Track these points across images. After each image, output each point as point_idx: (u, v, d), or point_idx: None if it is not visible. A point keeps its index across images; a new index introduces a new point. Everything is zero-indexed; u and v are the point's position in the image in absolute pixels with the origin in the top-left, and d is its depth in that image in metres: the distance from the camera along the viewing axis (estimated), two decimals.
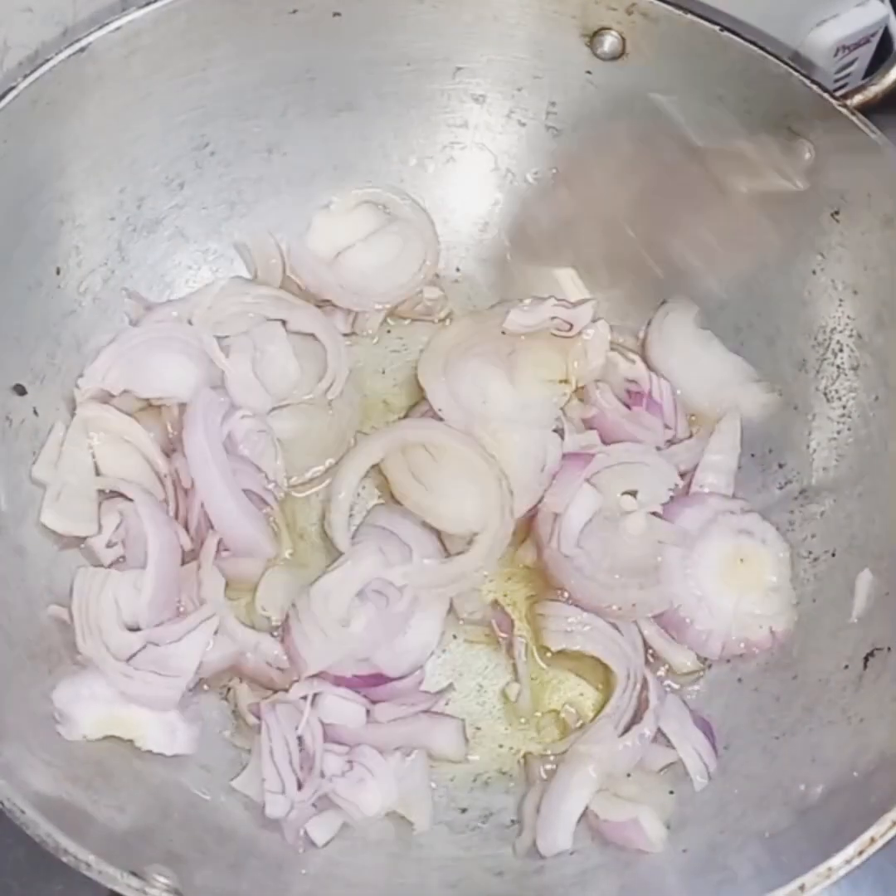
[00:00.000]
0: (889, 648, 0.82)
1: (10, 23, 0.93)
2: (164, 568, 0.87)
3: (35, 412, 0.89)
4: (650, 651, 0.89)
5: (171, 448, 0.93)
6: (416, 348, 1.02)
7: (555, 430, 0.94)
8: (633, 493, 0.92)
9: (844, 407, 0.92)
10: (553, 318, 0.96)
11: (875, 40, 1.11)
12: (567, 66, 0.96)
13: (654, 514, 0.91)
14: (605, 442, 0.94)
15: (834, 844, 0.68)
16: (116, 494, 0.90)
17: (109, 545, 0.89)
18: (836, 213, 0.90)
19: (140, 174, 0.95)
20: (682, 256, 0.99)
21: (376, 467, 0.94)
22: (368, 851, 0.82)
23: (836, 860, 0.68)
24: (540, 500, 0.92)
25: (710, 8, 0.95)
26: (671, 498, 0.93)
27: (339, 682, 0.85)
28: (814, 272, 0.93)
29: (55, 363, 0.91)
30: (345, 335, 1.01)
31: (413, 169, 1.03)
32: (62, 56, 0.85)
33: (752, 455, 0.96)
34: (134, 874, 0.66)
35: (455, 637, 0.91)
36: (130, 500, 0.89)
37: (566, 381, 0.96)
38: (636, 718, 0.85)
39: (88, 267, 0.93)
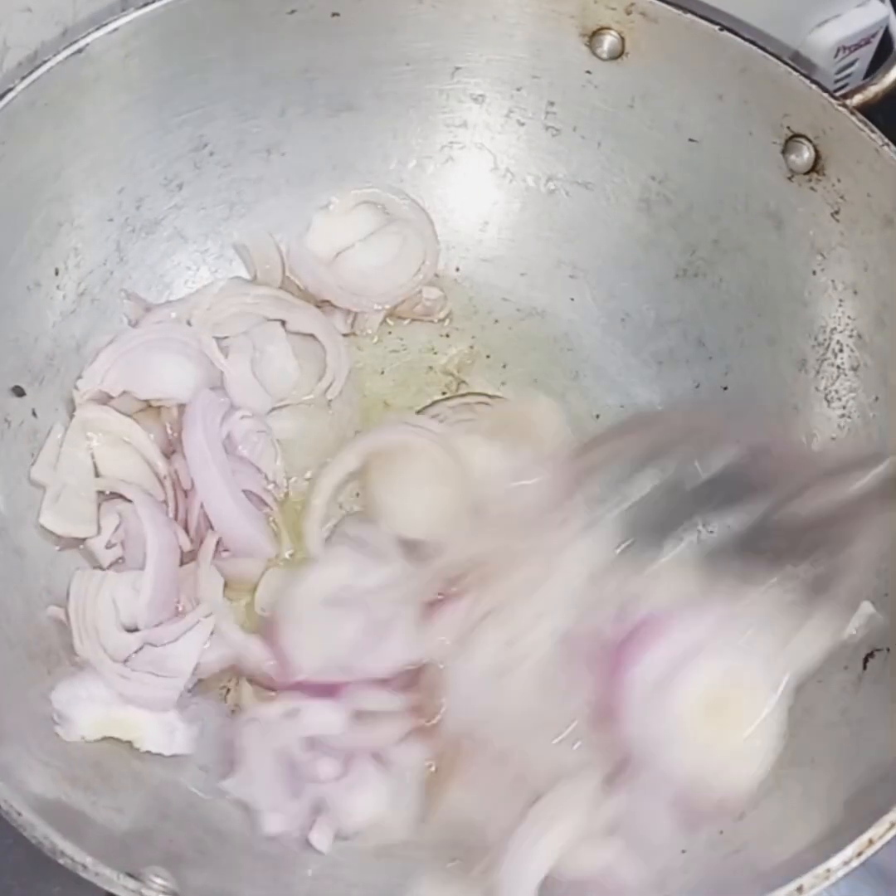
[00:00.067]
0: (889, 649, 0.82)
1: (9, 23, 0.93)
2: (164, 568, 0.87)
3: (34, 414, 0.89)
4: None
5: (171, 449, 0.93)
6: (415, 348, 1.02)
7: None
8: None
9: (844, 407, 0.92)
10: None
11: (875, 41, 1.11)
12: (566, 65, 0.96)
13: None
14: None
15: (832, 846, 0.68)
16: (116, 496, 0.90)
17: (108, 546, 0.88)
18: (836, 213, 0.90)
19: (139, 175, 0.95)
20: None
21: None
22: (369, 853, 0.82)
23: (834, 861, 0.67)
24: None
25: (710, 8, 0.95)
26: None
27: (317, 691, 0.84)
28: (814, 272, 0.93)
29: (54, 364, 0.91)
30: (344, 335, 1.00)
31: (412, 169, 1.03)
32: (60, 57, 0.85)
33: None
34: (131, 876, 0.65)
35: None
36: (129, 501, 0.89)
37: None
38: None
39: (87, 268, 0.93)
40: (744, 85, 0.91)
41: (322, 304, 1.00)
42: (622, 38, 0.93)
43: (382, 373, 1.01)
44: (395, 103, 1.00)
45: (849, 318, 0.91)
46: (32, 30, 0.94)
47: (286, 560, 0.92)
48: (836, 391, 0.92)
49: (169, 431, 0.93)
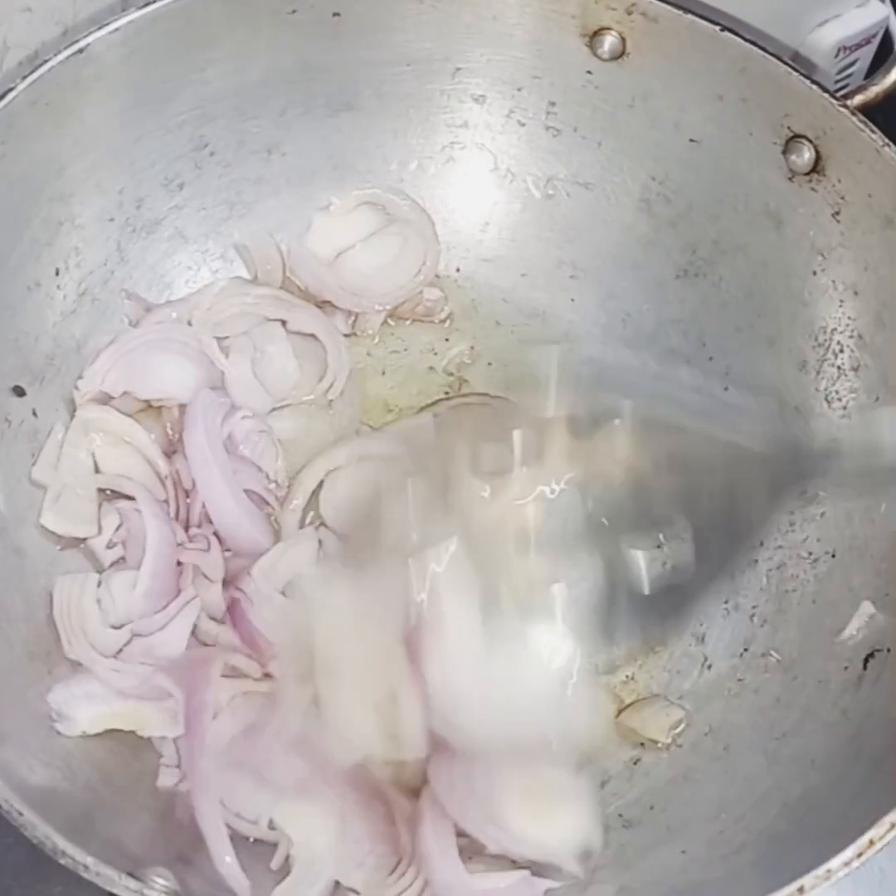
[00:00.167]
0: (889, 650, 0.82)
1: (9, 23, 0.93)
2: (162, 559, 0.87)
3: (34, 414, 0.89)
4: None
5: (172, 449, 0.93)
6: (416, 349, 1.02)
7: None
8: None
9: (844, 408, 0.92)
10: None
11: (876, 41, 1.11)
12: (567, 66, 0.96)
13: None
14: None
15: (833, 847, 0.68)
16: (117, 495, 0.90)
17: (110, 546, 0.89)
18: (837, 213, 0.90)
19: (139, 175, 0.95)
20: None
21: None
22: None
23: (834, 862, 0.67)
24: None
25: (710, 8, 0.95)
26: None
27: None
28: (814, 272, 0.93)
29: (54, 364, 0.91)
30: (345, 336, 1.01)
31: (413, 169, 1.03)
32: (60, 57, 0.85)
33: None
34: (132, 876, 0.66)
35: None
36: (131, 498, 0.89)
37: None
38: None
39: (87, 268, 0.93)
40: (744, 85, 0.91)
41: (323, 305, 1.00)
42: (623, 39, 0.93)
43: (383, 373, 1.01)
44: (395, 103, 1.00)
45: (849, 318, 0.91)
46: (33, 30, 0.94)
47: None
48: (837, 391, 0.92)
49: (170, 432, 0.94)
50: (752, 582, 0.93)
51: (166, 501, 0.90)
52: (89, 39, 0.86)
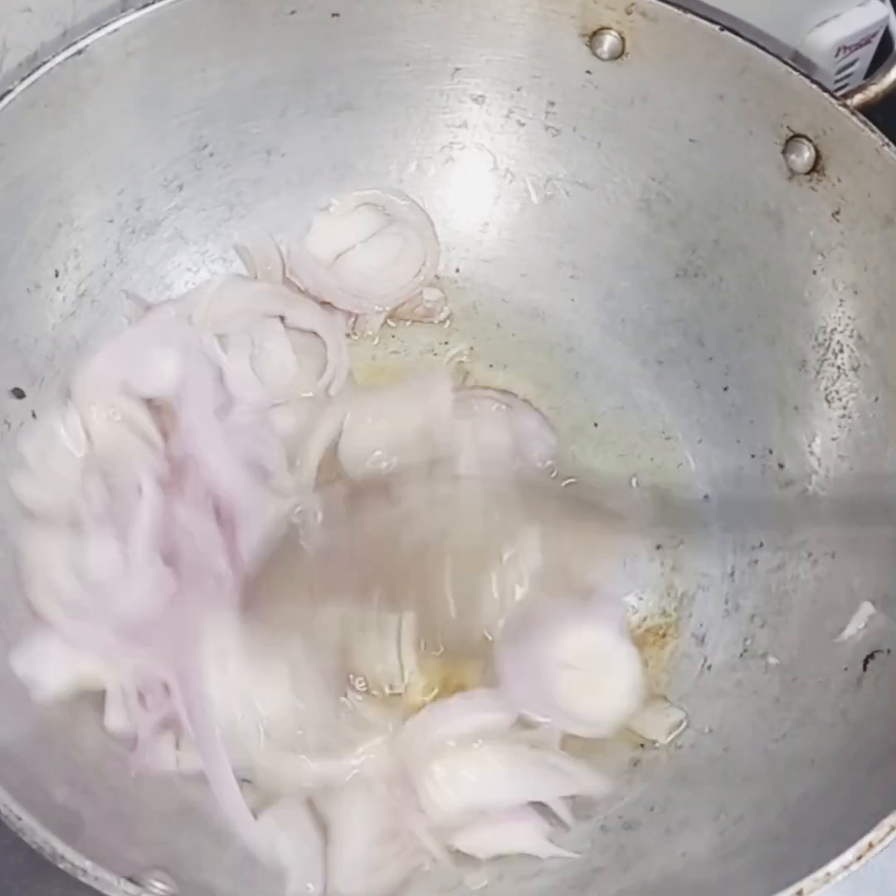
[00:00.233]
0: (889, 651, 0.82)
1: (9, 23, 0.93)
2: (151, 527, 0.86)
3: (33, 415, 0.89)
4: None
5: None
6: (416, 350, 1.02)
7: None
8: None
9: (845, 408, 0.92)
10: None
11: (876, 41, 1.10)
12: (566, 66, 0.96)
13: None
14: None
15: (832, 849, 0.68)
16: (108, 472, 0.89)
17: (95, 518, 0.87)
18: (837, 213, 0.90)
19: (139, 176, 0.94)
20: None
21: None
22: None
23: (834, 865, 0.67)
24: None
25: (710, 8, 0.95)
26: None
27: None
28: (814, 272, 0.93)
29: (54, 366, 0.91)
30: (345, 337, 1.01)
31: (412, 170, 1.03)
32: (59, 59, 0.85)
33: (752, 455, 0.96)
34: (131, 880, 0.66)
35: None
36: (123, 476, 0.88)
37: None
38: None
39: (87, 269, 0.93)
40: (744, 85, 0.90)
41: (323, 306, 1.00)
42: (622, 38, 0.93)
43: (383, 374, 1.01)
44: (395, 103, 1.00)
45: (849, 318, 0.91)
46: (32, 30, 0.94)
47: None
48: (837, 391, 0.92)
49: (169, 430, 0.93)
50: (752, 582, 0.93)
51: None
52: (89, 40, 0.86)
